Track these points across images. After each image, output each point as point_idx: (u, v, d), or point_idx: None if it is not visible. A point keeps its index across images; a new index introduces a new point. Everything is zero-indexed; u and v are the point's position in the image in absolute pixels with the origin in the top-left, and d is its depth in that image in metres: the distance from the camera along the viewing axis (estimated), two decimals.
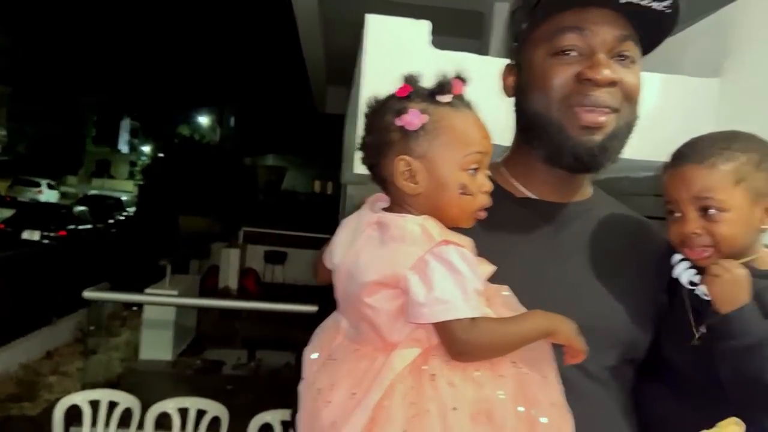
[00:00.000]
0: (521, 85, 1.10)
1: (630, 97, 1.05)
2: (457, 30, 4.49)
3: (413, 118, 0.93)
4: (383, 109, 0.97)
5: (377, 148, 0.97)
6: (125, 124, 43.69)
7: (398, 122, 0.94)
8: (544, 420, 0.87)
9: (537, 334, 0.92)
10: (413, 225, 0.92)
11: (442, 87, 0.96)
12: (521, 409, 0.86)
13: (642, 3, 1.00)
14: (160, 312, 6.75)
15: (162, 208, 18.38)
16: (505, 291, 0.97)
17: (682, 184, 1.04)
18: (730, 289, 0.97)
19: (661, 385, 1.10)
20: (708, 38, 1.91)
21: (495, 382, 0.88)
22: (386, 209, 1.00)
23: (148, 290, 6.27)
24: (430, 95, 0.96)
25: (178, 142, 26.65)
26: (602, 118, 1.02)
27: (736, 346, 0.96)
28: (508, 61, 1.17)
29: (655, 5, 1.01)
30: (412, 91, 0.97)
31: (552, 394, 0.90)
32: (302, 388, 0.99)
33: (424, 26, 1.73)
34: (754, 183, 1.02)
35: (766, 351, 0.94)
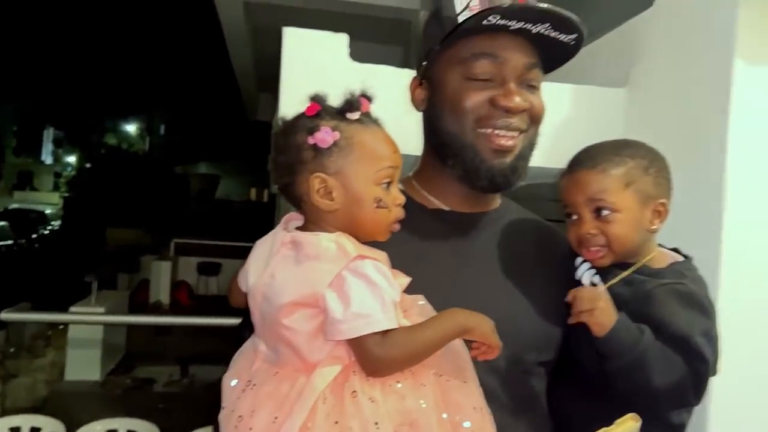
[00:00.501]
0: (434, 102, 1.13)
1: (536, 120, 1.11)
2: (388, 38, 4.54)
3: (325, 135, 0.94)
4: (293, 129, 0.97)
5: (290, 168, 0.97)
6: (48, 134, 41.86)
7: (311, 140, 0.94)
8: (467, 424, 0.89)
9: (452, 334, 0.93)
10: (327, 242, 0.92)
11: (351, 104, 0.97)
12: (444, 416, 0.88)
13: (551, 35, 1.06)
14: (87, 330, 6.47)
15: (88, 220, 17.70)
16: (421, 300, 0.98)
17: (577, 188, 1.11)
18: (593, 316, 1.01)
19: (571, 385, 1.14)
20: (615, 50, 2.00)
21: (416, 392, 0.89)
22: (300, 228, 1.00)
23: (72, 308, 6.01)
24: (339, 113, 0.97)
25: (105, 152, 25.76)
26: (511, 142, 1.07)
27: (618, 365, 1.01)
28: None
29: (563, 38, 1.07)
30: (320, 110, 0.97)
31: (473, 398, 0.92)
32: (222, 416, 0.97)
33: (342, 39, 1.74)
34: (642, 186, 1.09)
35: (647, 363, 0.99)
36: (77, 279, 7.41)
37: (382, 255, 0.94)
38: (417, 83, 1.17)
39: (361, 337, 0.87)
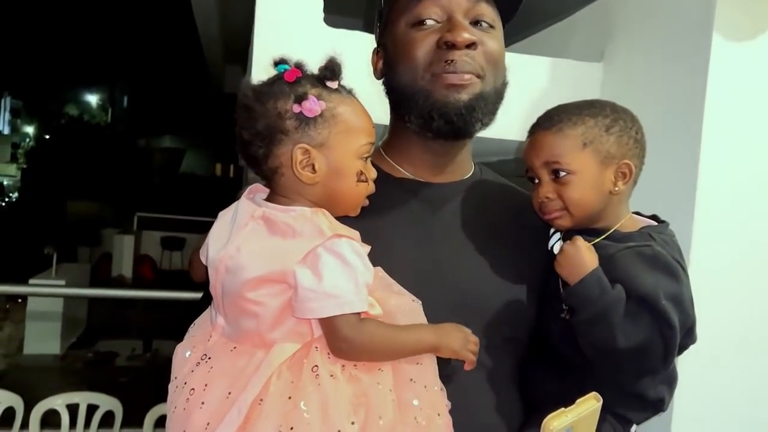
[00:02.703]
0: (388, 62, 1.08)
1: (492, 61, 1.05)
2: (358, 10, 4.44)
3: (313, 104, 0.89)
4: (271, 95, 0.91)
5: (269, 137, 0.91)
6: (5, 103, 40.46)
7: (296, 109, 0.89)
8: (416, 402, 0.87)
9: (421, 348, 0.91)
10: (303, 218, 0.89)
11: (332, 72, 0.93)
12: (393, 397, 0.87)
13: None
14: (47, 303, 6.34)
15: (47, 193, 17.23)
16: (381, 272, 0.96)
17: (534, 151, 1.08)
18: (568, 263, 1.00)
19: (542, 364, 1.11)
20: (592, 24, 1.99)
21: (373, 374, 0.87)
22: (268, 199, 0.95)
23: (32, 280, 5.86)
24: (319, 80, 0.92)
25: (65, 123, 24.99)
26: (467, 77, 1.01)
27: (582, 319, 0.99)
28: None
29: None
30: (300, 76, 0.92)
31: (428, 378, 0.91)
32: (173, 388, 0.93)
33: (317, 3, 1.69)
34: (602, 146, 1.05)
35: (611, 319, 0.96)
36: (36, 251, 7.22)
37: (356, 234, 0.90)
38: (376, 53, 1.13)
39: (334, 316, 0.84)
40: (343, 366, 0.87)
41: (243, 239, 0.90)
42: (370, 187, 0.97)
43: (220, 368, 0.88)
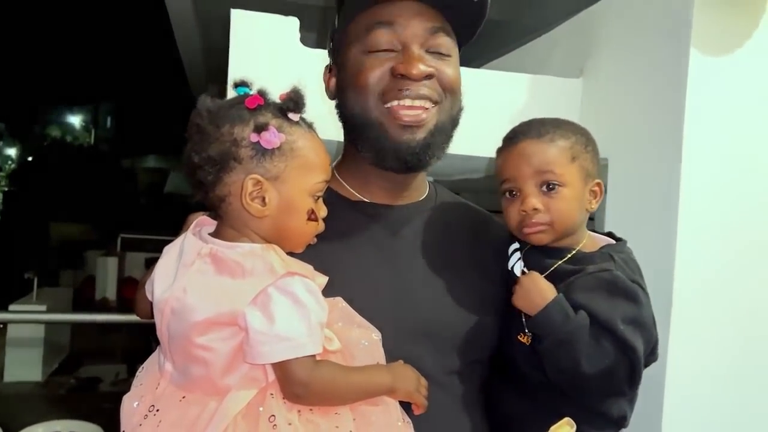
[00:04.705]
0: (340, 86, 1.06)
1: (450, 89, 1.03)
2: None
3: (273, 136, 0.86)
4: (229, 119, 0.87)
5: (220, 163, 0.86)
6: None
7: (254, 138, 0.85)
8: None
9: (377, 391, 0.88)
10: (252, 255, 0.84)
11: (295, 104, 0.89)
12: None
13: None
14: (28, 329, 6.21)
15: (30, 215, 17.05)
16: (342, 303, 0.93)
17: (521, 160, 1.05)
18: (526, 296, 1.00)
19: (507, 384, 1.10)
20: (571, 41, 1.99)
21: (330, 419, 0.84)
22: (215, 233, 0.91)
23: (12, 306, 5.75)
24: (281, 111, 0.89)
25: (48, 145, 24.83)
26: (423, 115, 0.99)
27: (546, 346, 0.98)
28: None
29: None
30: (262, 104, 0.88)
31: (390, 417, 0.88)
32: None
33: (293, 23, 1.67)
34: (584, 163, 1.05)
35: (575, 345, 0.96)
36: (17, 276, 7.11)
37: (309, 269, 0.87)
38: (328, 71, 1.11)
39: (288, 360, 0.81)
40: (299, 411, 0.83)
41: (189, 279, 0.85)
42: (320, 227, 0.93)
43: (170, 421, 0.83)
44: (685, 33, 1.47)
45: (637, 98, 1.65)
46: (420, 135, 1.00)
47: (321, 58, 1.69)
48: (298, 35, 1.68)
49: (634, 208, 1.57)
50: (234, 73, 1.62)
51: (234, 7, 1.67)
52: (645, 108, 1.62)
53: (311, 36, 1.69)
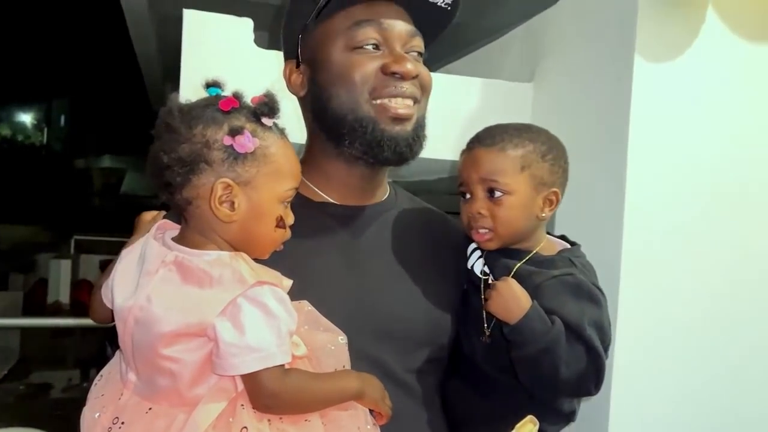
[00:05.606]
0: (319, 83, 1.07)
1: (426, 90, 1.08)
2: None
3: (247, 141, 0.84)
4: (201, 120, 0.85)
5: (190, 165, 0.84)
6: None
7: (227, 141, 0.84)
8: None
9: (347, 396, 0.89)
10: (220, 264, 0.83)
11: (270, 109, 0.88)
12: None
13: (429, 0, 1.04)
14: None
15: None
16: (308, 306, 0.93)
17: (472, 166, 1.09)
18: (503, 302, 1.01)
19: (461, 381, 1.13)
20: (523, 45, 2.03)
21: (301, 426, 0.84)
22: (180, 239, 0.89)
23: None
24: (255, 115, 0.88)
25: None
26: (409, 110, 1.04)
27: (527, 354, 1.00)
28: None
29: (440, 2, 1.05)
30: (236, 107, 0.87)
31: (358, 420, 0.89)
32: None
33: (246, 24, 1.66)
34: (538, 172, 1.08)
35: (557, 352, 0.98)
36: None
37: (277, 275, 0.86)
38: (293, 67, 1.11)
39: (257, 371, 0.80)
40: (270, 420, 0.82)
41: (154, 288, 0.83)
42: (287, 234, 0.93)
43: None
44: (629, 40, 1.52)
45: (585, 103, 1.70)
46: (409, 127, 1.05)
47: (277, 58, 1.69)
48: (252, 36, 1.67)
49: (582, 211, 1.61)
50: (187, 75, 1.61)
51: (189, 5, 1.66)
52: (592, 112, 1.67)
53: (264, 35, 1.68)
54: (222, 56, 1.62)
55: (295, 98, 1.14)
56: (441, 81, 1.87)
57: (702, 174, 1.59)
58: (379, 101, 1.03)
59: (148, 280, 0.84)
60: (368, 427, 0.90)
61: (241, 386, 0.83)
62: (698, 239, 1.59)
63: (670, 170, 1.56)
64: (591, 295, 1.05)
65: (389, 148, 1.04)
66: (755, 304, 1.63)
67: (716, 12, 1.56)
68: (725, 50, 1.58)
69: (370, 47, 1.03)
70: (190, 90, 1.57)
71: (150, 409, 0.84)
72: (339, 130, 1.05)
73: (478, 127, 1.16)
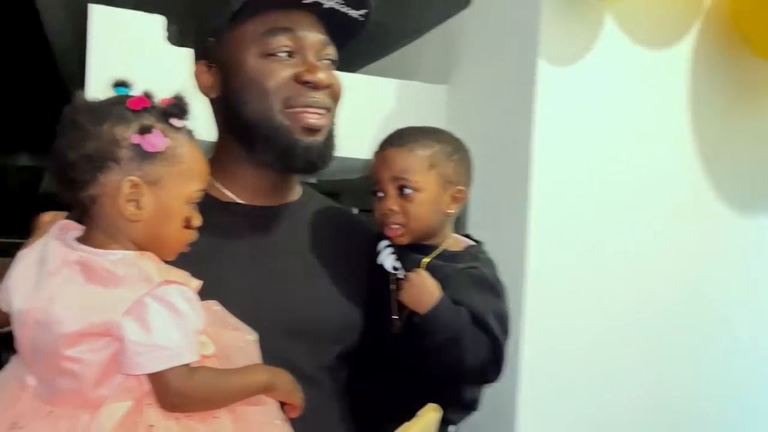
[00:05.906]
0: (232, 87, 1.07)
1: (337, 98, 1.11)
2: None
3: (157, 140, 0.84)
4: (110, 117, 0.84)
5: (98, 162, 0.83)
6: None
7: (135, 139, 0.83)
8: None
9: (256, 389, 0.90)
10: (126, 263, 0.82)
11: (181, 110, 0.88)
12: None
13: (341, 10, 1.07)
14: None
15: None
16: (216, 305, 0.93)
17: (384, 165, 1.14)
18: (416, 292, 1.07)
19: (370, 375, 1.16)
20: (439, 48, 2.08)
21: (209, 423, 0.84)
22: (83, 238, 0.88)
23: None
24: (164, 116, 0.88)
25: None
26: (321, 120, 1.06)
27: (436, 341, 1.05)
28: None
29: (353, 13, 1.08)
30: (147, 107, 0.87)
31: (269, 415, 0.90)
32: None
33: (157, 21, 1.63)
34: (444, 170, 1.15)
35: (464, 341, 1.05)
36: None
37: (185, 275, 0.86)
38: (204, 68, 1.11)
39: (164, 370, 0.80)
40: (177, 418, 0.82)
41: (56, 288, 0.82)
42: (194, 236, 0.93)
43: None
44: (532, 45, 1.59)
45: (494, 105, 1.76)
46: (320, 138, 1.06)
47: (189, 56, 1.66)
48: (165, 34, 1.64)
49: (489, 211, 1.67)
50: (94, 73, 1.56)
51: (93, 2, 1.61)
52: (500, 114, 1.73)
53: (176, 30, 1.65)
54: (131, 54, 1.58)
55: (205, 97, 1.13)
56: (359, 81, 1.90)
57: (602, 173, 1.67)
58: (292, 110, 1.04)
59: (50, 280, 0.83)
60: (277, 422, 0.91)
61: (147, 385, 0.82)
62: (601, 240, 1.67)
63: (572, 171, 1.63)
64: (493, 287, 1.13)
65: (301, 157, 1.06)
66: (657, 297, 1.74)
67: (613, 18, 1.64)
68: (623, 54, 1.67)
69: (283, 54, 1.04)
70: (97, 89, 1.52)
71: (51, 411, 0.82)
72: (251, 136, 1.06)
73: (395, 127, 1.20)
